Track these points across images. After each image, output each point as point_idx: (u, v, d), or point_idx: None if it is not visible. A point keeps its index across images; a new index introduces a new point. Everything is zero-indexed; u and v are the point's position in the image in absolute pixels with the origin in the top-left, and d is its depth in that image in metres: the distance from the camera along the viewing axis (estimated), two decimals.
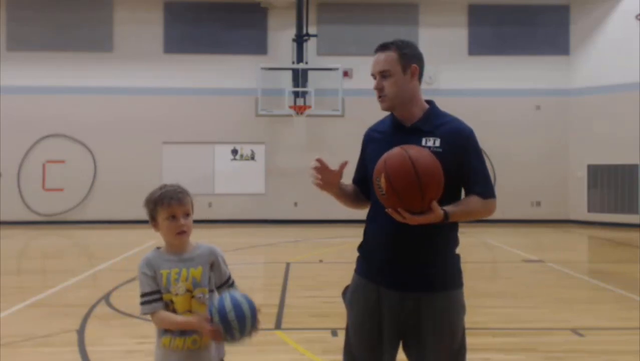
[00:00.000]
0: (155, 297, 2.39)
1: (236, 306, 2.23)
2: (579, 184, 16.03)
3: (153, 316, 2.42)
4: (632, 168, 15.13)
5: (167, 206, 2.40)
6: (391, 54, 2.43)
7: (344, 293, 2.59)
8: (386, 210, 2.25)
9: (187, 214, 2.43)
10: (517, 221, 15.87)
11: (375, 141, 2.53)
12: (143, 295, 2.40)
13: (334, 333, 5.04)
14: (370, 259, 2.47)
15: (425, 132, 2.41)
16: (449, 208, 2.29)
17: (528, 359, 4.54)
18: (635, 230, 14.17)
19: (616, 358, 4.60)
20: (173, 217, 2.41)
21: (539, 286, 7.62)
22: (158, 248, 2.52)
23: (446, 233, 2.41)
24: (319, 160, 2.45)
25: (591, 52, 16.00)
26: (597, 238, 13.42)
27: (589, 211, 15.84)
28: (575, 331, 5.25)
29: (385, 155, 2.27)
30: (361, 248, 2.57)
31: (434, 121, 2.46)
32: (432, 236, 2.34)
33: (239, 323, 2.23)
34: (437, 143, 2.37)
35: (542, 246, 11.86)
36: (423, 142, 2.38)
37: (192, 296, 2.40)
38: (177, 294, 2.39)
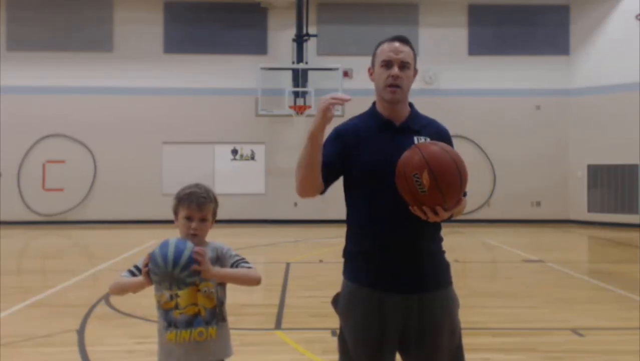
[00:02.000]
0: (135, 272, 2.52)
1: (161, 246, 2.34)
2: (579, 184, 16.02)
3: (111, 284, 2.57)
4: (632, 168, 15.13)
5: (187, 208, 2.51)
6: (410, 50, 2.45)
7: (335, 301, 2.54)
8: (412, 209, 2.20)
9: (202, 219, 2.53)
10: (517, 221, 15.87)
11: (362, 139, 2.42)
12: (135, 266, 2.53)
13: (334, 333, 5.02)
14: (365, 264, 2.41)
15: (416, 131, 2.43)
16: None
17: (528, 359, 4.54)
18: (635, 230, 14.17)
19: (616, 358, 4.60)
20: (189, 218, 2.51)
21: (539, 286, 7.62)
22: None
23: (434, 231, 2.42)
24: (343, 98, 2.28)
25: (591, 52, 16.00)
26: (597, 238, 13.42)
27: (589, 211, 15.84)
28: (575, 331, 5.25)
29: (418, 149, 2.21)
30: (349, 252, 2.50)
31: (418, 121, 2.49)
32: (423, 235, 2.35)
33: (178, 252, 2.31)
34: (428, 141, 2.41)
35: (542, 246, 11.85)
36: (415, 141, 2.39)
37: (198, 290, 2.46)
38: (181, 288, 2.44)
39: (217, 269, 2.44)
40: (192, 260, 2.31)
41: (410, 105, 2.53)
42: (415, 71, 2.49)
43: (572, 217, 16.09)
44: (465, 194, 2.47)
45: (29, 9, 15.83)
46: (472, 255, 10.14)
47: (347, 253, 2.51)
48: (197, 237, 2.51)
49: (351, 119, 2.57)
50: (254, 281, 2.50)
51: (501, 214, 15.94)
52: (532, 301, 6.59)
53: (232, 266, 2.52)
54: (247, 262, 2.54)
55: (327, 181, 2.39)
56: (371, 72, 2.52)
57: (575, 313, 6.01)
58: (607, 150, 15.43)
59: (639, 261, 9.89)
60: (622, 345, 4.92)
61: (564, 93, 16.31)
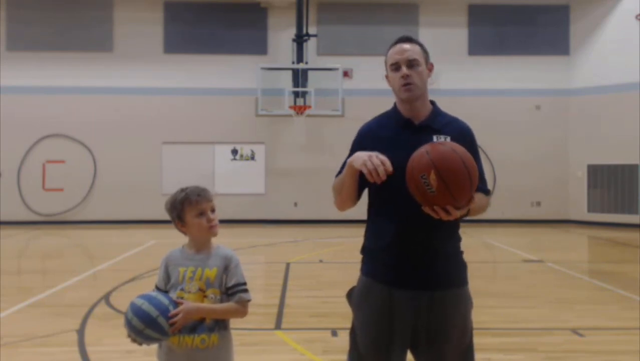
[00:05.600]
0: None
1: (136, 310, 2.34)
2: (579, 184, 16.03)
3: None
4: (632, 168, 15.13)
5: (196, 204, 2.48)
6: (416, 47, 2.48)
7: (349, 295, 2.57)
8: (424, 209, 2.20)
9: (213, 210, 2.52)
10: (517, 221, 15.86)
11: (381, 139, 2.43)
12: (155, 285, 2.56)
13: (334, 333, 5.03)
14: (380, 260, 2.45)
15: (435, 130, 2.44)
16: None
17: (528, 359, 4.54)
18: (635, 230, 14.16)
19: (616, 358, 4.60)
20: (202, 213, 2.48)
21: (539, 286, 7.62)
22: (183, 246, 2.59)
23: (451, 230, 2.42)
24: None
25: (591, 52, 15.99)
26: (597, 238, 13.42)
27: (589, 211, 15.84)
28: (575, 331, 5.25)
29: (425, 150, 2.20)
30: (366, 249, 2.53)
31: (440, 119, 2.49)
32: (439, 234, 2.35)
33: (145, 323, 2.33)
34: (448, 141, 2.40)
35: (542, 246, 11.85)
36: (435, 140, 2.39)
37: (205, 296, 2.46)
38: (189, 292, 2.45)
39: (203, 307, 2.43)
40: (164, 313, 2.34)
41: (432, 103, 2.55)
42: (430, 65, 2.51)
43: (572, 217, 16.09)
44: (489, 193, 2.52)
45: (29, 9, 15.82)
46: (472, 255, 10.09)
47: (364, 250, 2.55)
48: (217, 227, 2.50)
49: (373, 119, 2.60)
50: (240, 317, 2.51)
51: (501, 214, 15.92)
52: (532, 301, 6.59)
53: (231, 288, 2.49)
54: (246, 290, 2.51)
55: (360, 189, 2.47)
56: (387, 78, 2.54)
57: (575, 313, 6.01)
58: (607, 150, 15.43)
59: (639, 261, 9.88)
60: (622, 345, 4.92)
61: (564, 93, 16.31)
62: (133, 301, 2.39)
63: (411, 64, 2.44)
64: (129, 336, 2.38)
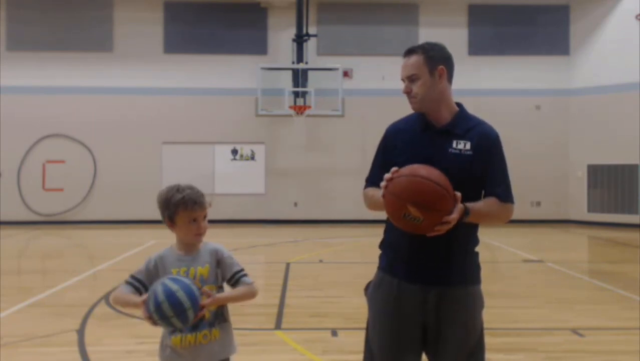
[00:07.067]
0: (135, 283, 2.47)
1: (170, 296, 2.25)
2: (579, 184, 16.03)
3: (112, 295, 2.56)
4: (632, 168, 15.13)
5: (191, 210, 2.49)
6: (417, 58, 2.47)
7: (366, 289, 2.62)
8: (429, 236, 2.25)
9: (205, 217, 2.54)
10: (517, 221, 15.81)
11: (403, 140, 2.51)
12: (131, 275, 2.51)
13: (334, 333, 5.04)
14: (391, 254, 2.52)
15: (456, 135, 2.45)
16: (468, 204, 2.32)
17: (528, 359, 4.54)
18: (635, 230, 14.16)
19: (616, 358, 4.61)
20: (194, 220, 2.50)
21: (539, 286, 7.63)
22: (171, 246, 2.60)
23: (466, 232, 2.42)
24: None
25: (591, 52, 15.99)
26: (597, 238, 13.42)
27: (588, 211, 15.84)
28: (575, 331, 5.25)
29: (392, 193, 2.25)
30: (383, 244, 2.60)
31: (464, 124, 2.49)
32: (452, 235, 2.34)
33: (175, 312, 2.25)
34: (468, 146, 2.42)
35: (542, 246, 11.85)
36: (454, 145, 2.42)
37: (202, 293, 2.47)
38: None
39: (218, 297, 2.46)
40: (195, 303, 2.30)
41: (459, 106, 2.55)
42: (441, 70, 2.46)
43: (572, 217, 16.08)
44: (506, 199, 2.47)
45: (29, 9, 15.82)
46: None
47: (382, 244, 2.61)
48: (202, 237, 2.54)
49: (401, 119, 2.64)
50: (252, 298, 2.56)
51: None
52: (532, 301, 6.59)
53: (232, 278, 2.54)
54: (246, 275, 2.56)
55: None
56: None
57: (575, 313, 6.01)
58: (607, 150, 15.43)
59: (639, 261, 9.89)
60: (622, 345, 4.93)
61: (564, 93, 16.31)
62: (165, 283, 2.29)
63: (410, 79, 2.48)
64: (150, 318, 2.27)
